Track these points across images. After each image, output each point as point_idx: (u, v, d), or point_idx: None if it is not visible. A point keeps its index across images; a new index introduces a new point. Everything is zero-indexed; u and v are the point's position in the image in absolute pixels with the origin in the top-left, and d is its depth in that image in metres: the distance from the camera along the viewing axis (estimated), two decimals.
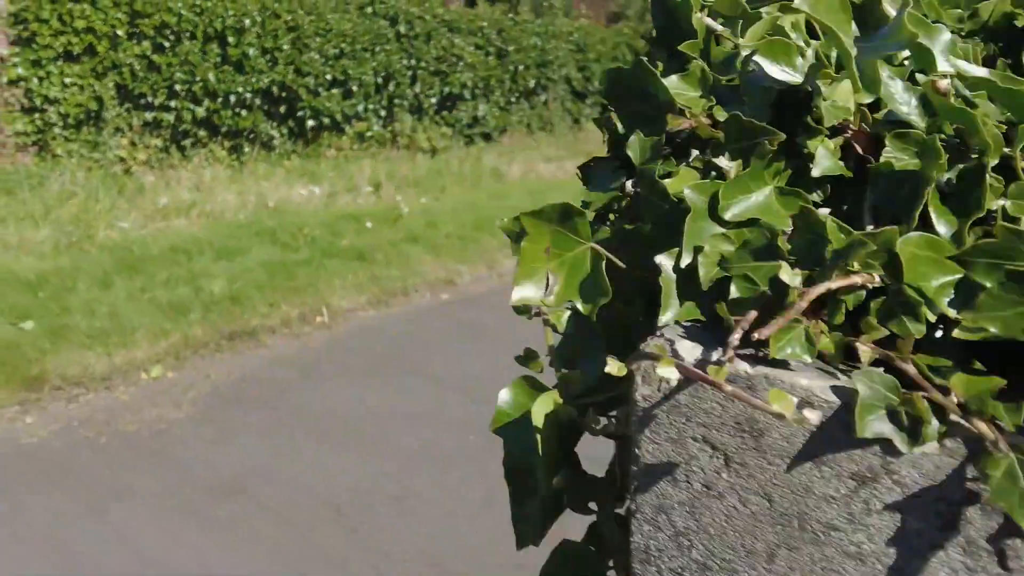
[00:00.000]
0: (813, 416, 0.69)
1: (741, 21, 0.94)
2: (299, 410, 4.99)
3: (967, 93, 0.82)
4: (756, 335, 0.70)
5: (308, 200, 8.85)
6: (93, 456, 4.24)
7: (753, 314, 0.73)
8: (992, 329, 0.67)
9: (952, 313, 0.70)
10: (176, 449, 4.39)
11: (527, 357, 1.04)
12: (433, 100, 12.09)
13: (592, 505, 0.94)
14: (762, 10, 0.91)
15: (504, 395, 0.99)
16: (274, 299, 6.38)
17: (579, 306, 0.88)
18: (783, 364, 0.72)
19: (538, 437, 0.88)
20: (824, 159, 0.80)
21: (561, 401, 0.89)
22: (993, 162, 0.74)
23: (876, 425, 0.66)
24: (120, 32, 8.15)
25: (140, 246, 6.73)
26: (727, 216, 0.80)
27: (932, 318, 0.70)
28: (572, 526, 1.00)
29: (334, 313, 6.63)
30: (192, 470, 4.21)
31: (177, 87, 8.65)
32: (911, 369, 0.68)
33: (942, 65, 0.83)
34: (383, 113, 11.38)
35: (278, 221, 7.91)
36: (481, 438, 4.94)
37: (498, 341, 6.65)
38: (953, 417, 0.66)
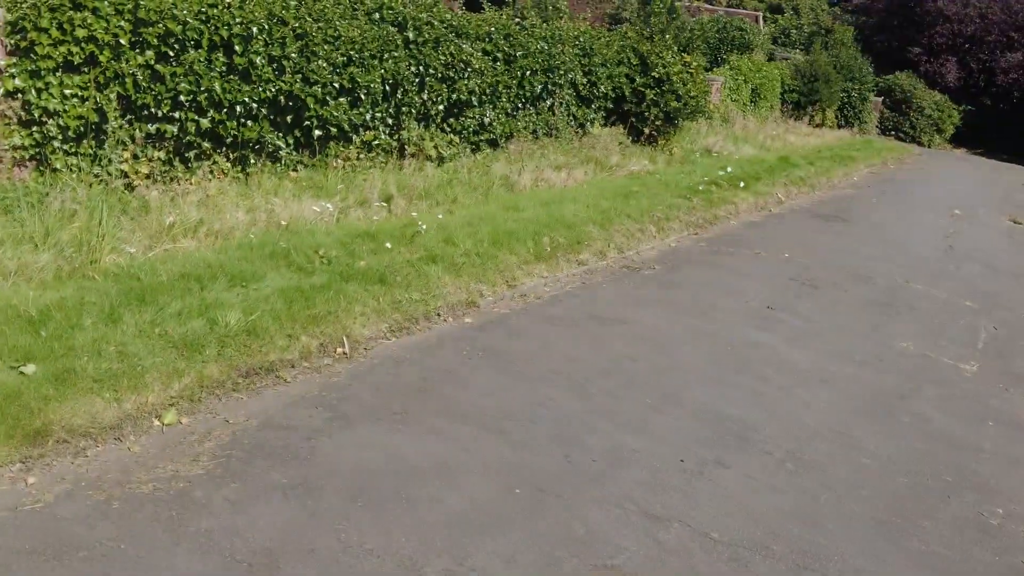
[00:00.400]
0: None
1: None
2: (329, 463, 4.58)
3: None
4: None
5: (320, 217, 8.43)
6: (105, 525, 3.82)
7: None
8: None
9: None
10: (197, 515, 3.98)
11: None
12: (440, 107, 11.69)
13: None
14: None
15: None
16: (293, 330, 5.97)
17: None
18: None
19: None
20: None
21: None
22: None
23: None
24: (123, 41, 7.71)
25: (148, 272, 6.29)
26: None
27: None
28: None
29: (355, 343, 6.23)
30: (217, 542, 3.80)
31: (182, 97, 8.22)
32: None
33: None
34: (390, 121, 10.97)
35: (291, 241, 7.49)
36: (526, 490, 4.56)
37: (527, 370, 6.27)
38: None
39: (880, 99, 33.85)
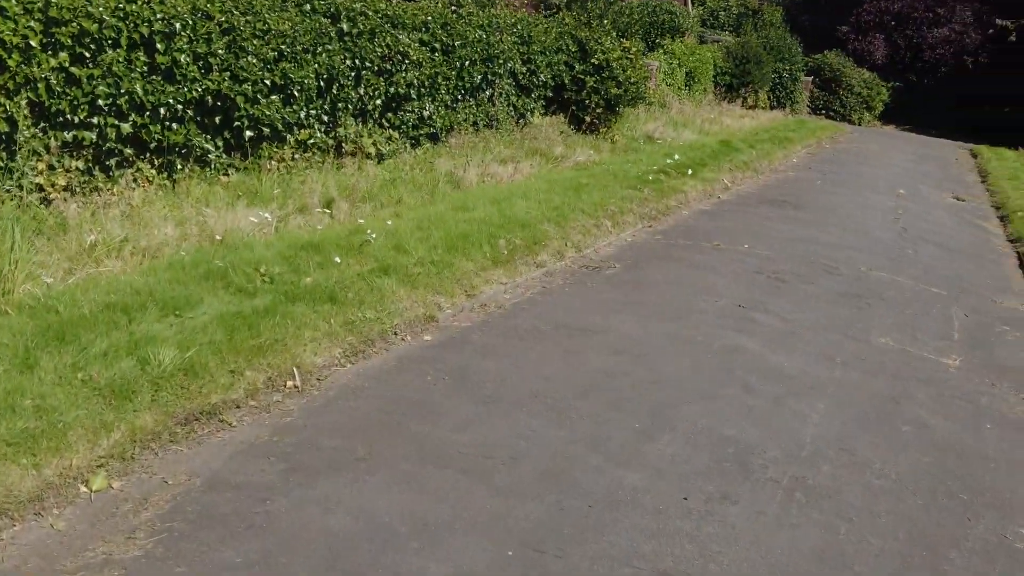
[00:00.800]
0: None
1: None
2: (290, 532, 3.93)
3: None
4: None
5: (258, 228, 7.71)
6: None
7: None
8: None
9: None
10: None
11: None
12: (378, 102, 11.03)
13: None
14: None
15: None
16: (236, 364, 5.27)
17: None
18: None
19: None
20: None
21: None
22: None
23: None
24: (33, 43, 6.92)
25: (68, 304, 5.52)
26: None
27: None
28: None
29: (307, 373, 5.56)
30: None
31: (100, 102, 7.45)
32: None
33: None
34: (326, 118, 10.28)
35: (228, 258, 6.75)
36: (521, 550, 3.96)
37: (500, 394, 5.68)
38: None
39: (810, 79, 33.82)
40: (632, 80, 16.42)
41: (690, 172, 14.61)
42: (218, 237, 7.32)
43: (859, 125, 34.09)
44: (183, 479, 4.27)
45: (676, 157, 15.32)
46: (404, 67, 11.29)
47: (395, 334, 6.45)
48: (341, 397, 5.38)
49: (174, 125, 8.24)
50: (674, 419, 5.63)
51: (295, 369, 5.49)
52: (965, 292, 10.36)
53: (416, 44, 11.59)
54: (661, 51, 23.15)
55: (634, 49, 17.17)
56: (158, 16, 7.84)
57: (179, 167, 8.43)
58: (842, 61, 34.82)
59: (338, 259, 7.09)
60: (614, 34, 17.13)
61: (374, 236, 7.73)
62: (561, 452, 4.97)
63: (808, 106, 33.83)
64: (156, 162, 8.28)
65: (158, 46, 7.89)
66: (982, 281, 11.21)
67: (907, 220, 14.72)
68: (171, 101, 8.08)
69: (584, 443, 5.11)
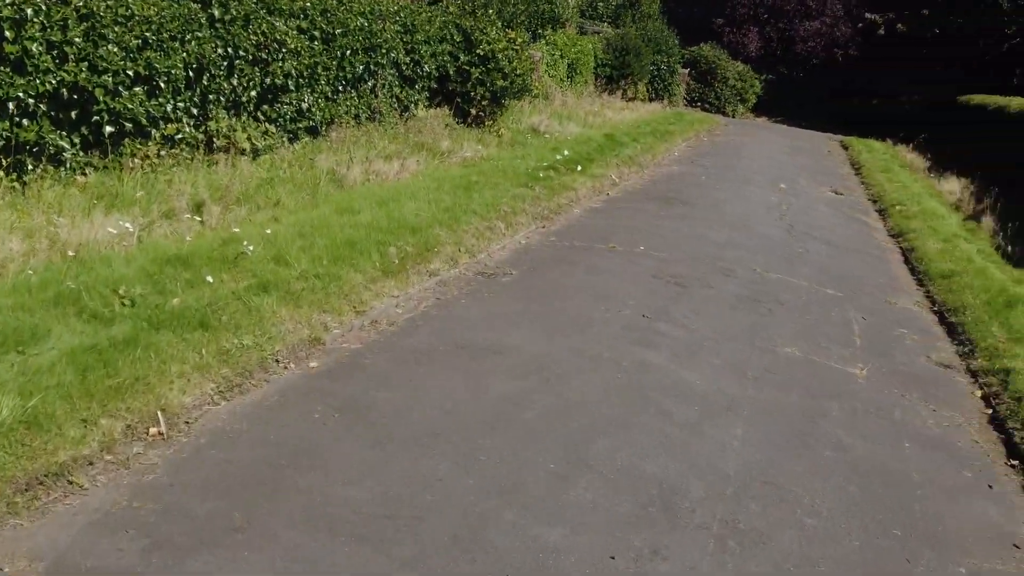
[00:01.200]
0: None
1: None
2: None
3: None
4: None
5: (119, 239, 6.88)
6: None
7: None
8: None
9: None
10: None
11: None
12: (253, 93, 10.24)
13: None
14: None
15: None
16: (89, 411, 4.51)
17: None
18: None
19: None
20: None
21: None
22: None
23: None
24: None
25: None
26: None
27: None
28: None
29: (173, 416, 4.83)
30: None
31: None
32: None
33: None
34: (195, 111, 9.45)
35: (82, 278, 5.90)
36: None
37: (398, 433, 5.08)
38: None
39: (687, 71, 33.98)
40: (518, 72, 15.95)
41: (579, 168, 14.24)
42: (71, 252, 6.48)
43: (733, 117, 34.44)
44: (22, 565, 3.52)
45: (565, 152, 14.93)
46: (281, 56, 10.53)
47: (276, 362, 5.77)
48: (214, 445, 4.68)
49: (25, 121, 7.43)
50: (590, 456, 5.13)
51: (159, 413, 4.76)
52: (858, 292, 10.23)
53: (294, 32, 10.83)
54: (543, 42, 22.74)
55: (520, 40, 16.70)
56: (7, 1, 6.97)
57: (30, 167, 7.58)
58: (717, 53, 35.08)
59: (210, 277, 6.33)
60: (499, 24, 16.61)
61: (251, 248, 7.00)
62: (472, 506, 4.40)
63: (684, 98, 33.98)
64: (4, 162, 7.41)
65: (7, 34, 7.06)
66: (873, 280, 11.14)
67: (792, 216, 14.65)
68: (21, 95, 7.27)
69: (496, 493, 4.56)
